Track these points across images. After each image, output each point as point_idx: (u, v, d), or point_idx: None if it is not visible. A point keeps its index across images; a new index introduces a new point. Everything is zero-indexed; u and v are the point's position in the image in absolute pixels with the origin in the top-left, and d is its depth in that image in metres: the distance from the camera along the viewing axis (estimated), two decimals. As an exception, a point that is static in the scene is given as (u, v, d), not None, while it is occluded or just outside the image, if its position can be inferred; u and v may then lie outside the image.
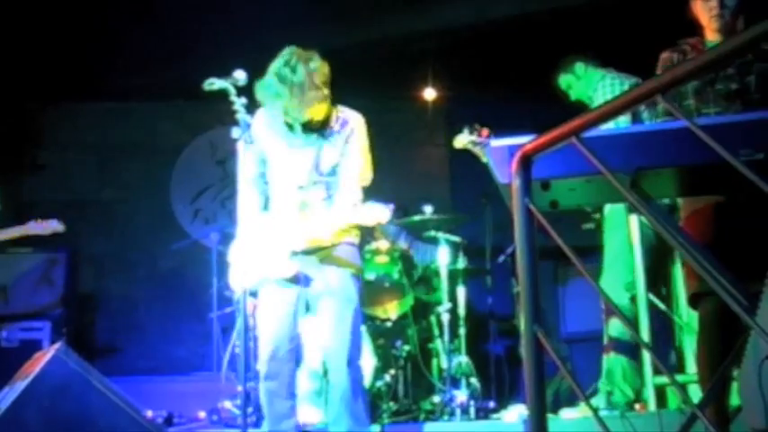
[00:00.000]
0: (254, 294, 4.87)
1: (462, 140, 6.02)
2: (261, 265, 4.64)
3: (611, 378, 5.53)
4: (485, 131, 5.98)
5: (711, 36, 4.04)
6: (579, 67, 6.05)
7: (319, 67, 4.59)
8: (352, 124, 4.81)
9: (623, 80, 5.78)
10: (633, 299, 5.46)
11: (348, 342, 4.71)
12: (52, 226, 6.89)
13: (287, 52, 4.59)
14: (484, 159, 5.96)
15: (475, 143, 5.97)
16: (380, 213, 4.54)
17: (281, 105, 4.56)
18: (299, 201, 4.75)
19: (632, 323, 5.30)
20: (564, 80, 6.13)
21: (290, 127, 4.74)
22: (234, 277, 4.80)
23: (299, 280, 4.72)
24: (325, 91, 4.63)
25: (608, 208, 5.74)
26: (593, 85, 5.93)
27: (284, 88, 4.50)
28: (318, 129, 4.75)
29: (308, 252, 4.71)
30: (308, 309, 4.90)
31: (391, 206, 4.61)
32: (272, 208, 4.82)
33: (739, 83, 3.90)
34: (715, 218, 3.73)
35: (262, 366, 4.70)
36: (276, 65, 4.56)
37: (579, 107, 5.96)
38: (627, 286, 5.55)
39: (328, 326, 4.74)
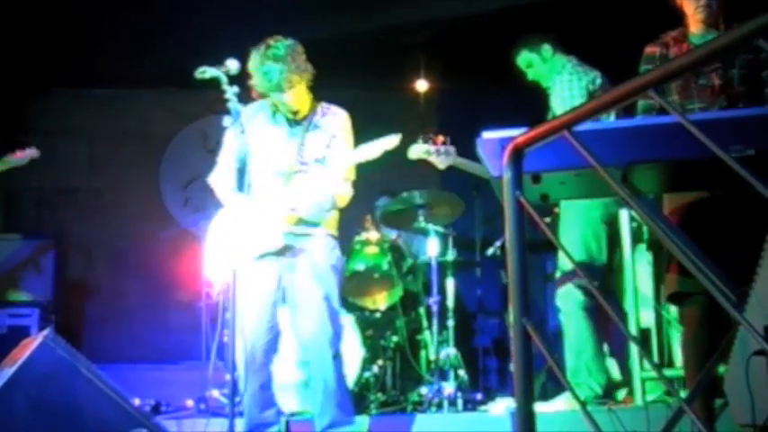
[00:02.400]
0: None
1: (417, 151, 6.02)
2: (245, 245, 4.64)
3: (576, 377, 5.52)
4: (439, 139, 5.99)
5: (694, 27, 4.03)
6: (546, 49, 5.90)
7: (294, 45, 4.75)
8: (340, 121, 4.95)
9: (581, 76, 5.64)
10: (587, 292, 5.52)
11: (331, 334, 4.76)
12: (27, 153, 6.84)
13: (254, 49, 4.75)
14: (440, 167, 5.98)
15: (430, 152, 5.99)
16: (387, 142, 4.63)
17: (276, 78, 4.64)
18: (282, 188, 4.78)
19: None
20: (526, 58, 5.98)
21: (275, 118, 4.88)
22: (211, 267, 4.83)
23: (287, 251, 4.77)
24: (309, 66, 4.78)
25: (564, 203, 5.67)
26: (553, 73, 5.83)
27: (273, 63, 4.64)
28: (302, 120, 4.88)
29: (294, 224, 4.77)
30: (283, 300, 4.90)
31: (399, 135, 4.75)
32: (253, 195, 4.83)
33: (723, 77, 3.90)
34: (698, 215, 3.73)
35: (242, 358, 4.69)
36: (255, 57, 4.71)
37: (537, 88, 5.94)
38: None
39: (310, 318, 4.76)
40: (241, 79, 4.49)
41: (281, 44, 4.69)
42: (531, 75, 5.99)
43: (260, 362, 4.73)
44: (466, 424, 5.58)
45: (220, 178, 4.91)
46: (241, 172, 4.77)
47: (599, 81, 5.61)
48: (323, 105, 4.97)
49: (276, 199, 4.72)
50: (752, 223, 3.37)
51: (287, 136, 4.87)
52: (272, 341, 4.81)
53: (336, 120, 4.94)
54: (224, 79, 4.43)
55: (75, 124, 9.50)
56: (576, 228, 5.54)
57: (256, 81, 4.73)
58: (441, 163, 5.94)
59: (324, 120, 4.92)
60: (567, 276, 5.60)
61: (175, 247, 8.77)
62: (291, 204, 4.71)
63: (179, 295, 8.52)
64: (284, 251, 4.75)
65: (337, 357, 4.78)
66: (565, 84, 5.62)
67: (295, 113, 4.87)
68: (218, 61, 4.46)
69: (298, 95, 4.80)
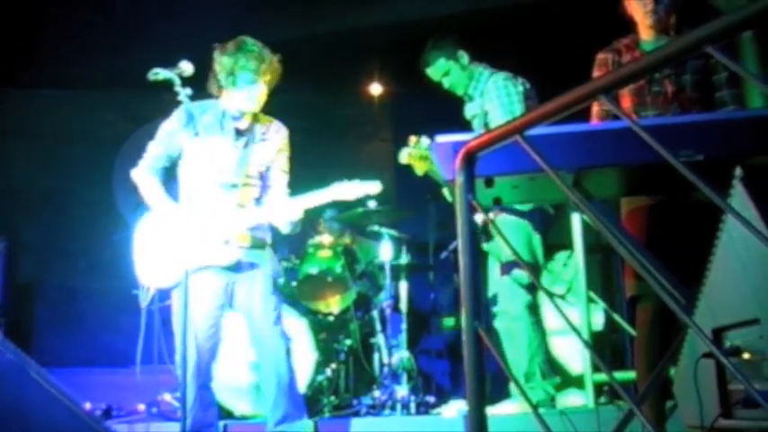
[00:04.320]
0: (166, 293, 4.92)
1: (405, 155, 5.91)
2: (195, 254, 4.67)
3: (530, 380, 5.54)
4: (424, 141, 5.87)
5: (645, 34, 4.08)
6: (462, 56, 5.76)
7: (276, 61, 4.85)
8: (284, 138, 5.06)
9: (515, 82, 5.57)
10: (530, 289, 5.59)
11: (282, 330, 4.93)
12: None
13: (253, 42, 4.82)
14: (419, 172, 5.91)
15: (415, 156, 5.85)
16: (368, 187, 4.75)
17: (255, 70, 4.74)
18: (228, 199, 4.87)
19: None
20: (443, 67, 5.78)
21: (223, 125, 4.89)
22: (145, 272, 4.86)
23: (241, 267, 4.85)
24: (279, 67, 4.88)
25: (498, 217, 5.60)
26: (474, 80, 5.71)
27: (251, 54, 4.75)
28: (247, 131, 4.93)
29: (248, 244, 4.87)
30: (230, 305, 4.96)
31: (378, 183, 4.80)
32: (190, 201, 4.86)
33: (675, 84, 3.94)
34: (652, 218, 3.78)
35: (190, 359, 4.69)
36: (231, 47, 4.78)
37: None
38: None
39: (265, 321, 4.88)
40: (194, 81, 4.47)
41: (256, 42, 4.80)
42: (447, 83, 5.82)
43: (204, 364, 4.80)
44: (419, 426, 5.60)
45: (148, 176, 5.04)
46: (168, 172, 4.83)
47: (528, 86, 5.61)
48: (268, 119, 5.04)
49: (229, 218, 4.78)
50: (701, 227, 3.42)
51: (233, 146, 4.89)
52: (216, 344, 4.89)
53: (280, 134, 5.04)
54: (177, 81, 4.43)
55: (26, 125, 9.38)
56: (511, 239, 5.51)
57: (226, 71, 4.78)
58: (419, 169, 5.85)
59: (269, 133, 5.00)
60: (510, 265, 5.61)
61: (127, 250, 8.71)
62: (245, 227, 4.82)
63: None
64: (236, 265, 4.83)
65: (288, 353, 4.90)
66: (501, 90, 5.53)
67: (242, 121, 4.90)
68: (171, 63, 4.44)
69: (262, 94, 4.84)
